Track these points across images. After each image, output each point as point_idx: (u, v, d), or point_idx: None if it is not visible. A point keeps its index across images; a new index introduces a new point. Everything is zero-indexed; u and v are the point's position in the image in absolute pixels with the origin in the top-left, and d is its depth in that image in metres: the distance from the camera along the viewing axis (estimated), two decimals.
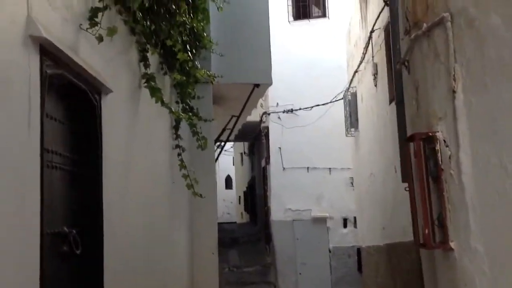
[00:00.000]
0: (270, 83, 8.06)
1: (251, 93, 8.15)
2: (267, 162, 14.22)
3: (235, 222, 21.70)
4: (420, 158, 3.00)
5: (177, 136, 5.44)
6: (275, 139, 13.34)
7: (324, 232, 12.89)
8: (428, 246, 2.97)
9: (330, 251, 12.81)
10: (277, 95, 13.27)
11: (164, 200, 5.22)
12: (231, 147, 23.44)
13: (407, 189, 3.52)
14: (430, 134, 2.96)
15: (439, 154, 2.94)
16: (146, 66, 4.31)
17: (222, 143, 11.22)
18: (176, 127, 5.54)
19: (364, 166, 10.44)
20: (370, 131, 9.56)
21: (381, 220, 8.98)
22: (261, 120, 13.86)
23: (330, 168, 13.07)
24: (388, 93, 7.82)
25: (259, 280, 13.65)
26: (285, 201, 13.08)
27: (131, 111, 4.07)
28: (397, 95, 6.81)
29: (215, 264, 7.45)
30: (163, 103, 4.39)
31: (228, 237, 16.66)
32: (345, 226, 12.88)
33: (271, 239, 13.56)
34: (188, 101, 5.78)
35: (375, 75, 8.62)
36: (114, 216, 3.20)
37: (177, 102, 5.70)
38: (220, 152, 14.36)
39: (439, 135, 2.95)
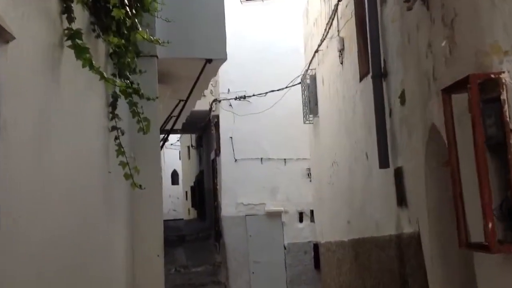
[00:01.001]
0: (225, 58, 6.90)
1: (202, 70, 6.96)
2: (217, 153, 13.05)
3: (182, 219, 20.40)
4: (477, 113, 1.95)
5: (114, 116, 4.25)
6: (226, 128, 12.19)
7: (278, 228, 11.87)
8: (491, 247, 1.90)
9: (285, 248, 11.82)
10: (228, 81, 12.13)
11: (98, 193, 4.01)
12: (178, 140, 22.13)
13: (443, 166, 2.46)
14: (493, 76, 1.91)
15: (505, 107, 1.89)
16: (70, 20, 3.08)
17: (167, 134, 9.96)
18: (113, 105, 4.34)
19: (324, 155, 9.46)
20: (333, 115, 8.58)
21: (346, 213, 8.02)
22: (210, 109, 12.68)
23: (285, 159, 12.06)
24: (358, 69, 6.84)
25: (208, 281, 12.48)
26: (236, 195, 11.97)
27: (49, 76, 2.85)
28: (374, 68, 5.82)
29: (160, 268, 6.22)
30: (92, 66, 3.18)
31: (174, 235, 15.40)
32: (301, 220, 11.91)
33: (222, 236, 12.42)
34: (127, 74, 4.56)
35: (341, 51, 7.63)
36: (20, 214, 2.09)
37: (114, 76, 4.47)
38: (164, 142, 13.11)
39: (505, 77, 1.90)
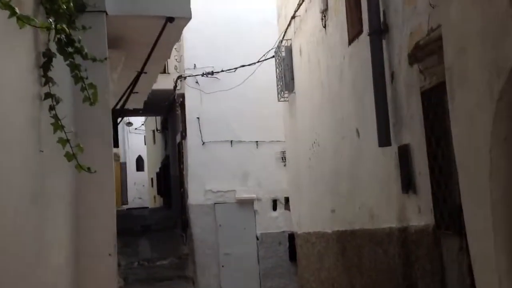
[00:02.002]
0: (189, 17, 5.58)
1: (161, 30, 5.63)
2: (183, 136, 11.74)
3: (147, 207, 19.02)
4: None
5: (48, 80, 3.11)
6: (192, 108, 10.87)
7: (250, 217, 10.68)
8: None
9: (257, 239, 10.64)
10: (194, 56, 10.80)
11: (21, 180, 2.74)
12: (142, 124, 20.65)
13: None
14: None
15: None
16: None
17: (122, 113, 8.61)
18: (45, 67, 3.12)
19: (302, 136, 8.28)
20: (313, 90, 7.37)
21: (330, 201, 6.86)
22: (175, 87, 11.32)
23: (257, 142, 10.83)
24: (347, 30, 5.63)
25: (174, 275, 11.22)
26: (204, 181, 10.70)
27: None
28: (371, 23, 4.61)
29: (112, 269, 4.97)
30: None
31: (139, 225, 14.07)
32: (274, 208, 10.74)
33: (189, 226, 11.16)
34: (65, 28, 3.28)
35: (324, 12, 6.41)
36: None
37: (47, 29, 3.17)
38: (120, 120, 11.78)
39: None
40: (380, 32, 4.52)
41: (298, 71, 8.33)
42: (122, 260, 11.81)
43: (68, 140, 3.01)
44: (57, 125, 3.00)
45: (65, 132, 3.01)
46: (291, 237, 10.08)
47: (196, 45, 10.69)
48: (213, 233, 10.59)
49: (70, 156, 3.06)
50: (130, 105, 9.94)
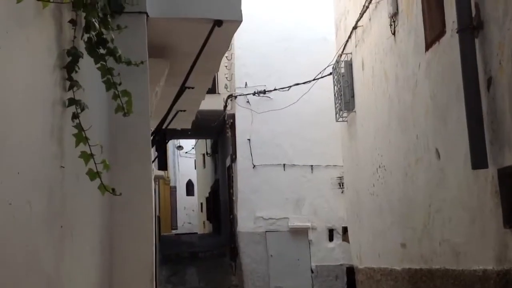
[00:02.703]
0: (239, 20, 4.87)
1: (209, 35, 4.95)
2: (233, 159, 11.03)
3: (196, 233, 18.37)
4: None
5: (73, 84, 2.53)
6: (243, 129, 10.17)
7: (304, 247, 9.76)
8: None
9: (312, 271, 9.68)
10: (245, 74, 10.16)
11: (37, 202, 2.05)
12: (193, 148, 20.18)
13: None
14: None
15: None
16: None
17: (163, 134, 8.03)
18: (70, 67, 2.45)
19: (363, 159, 7.37)
20: (378, 107, 6.50)
21: (399, 233, 5.90)
22: (225, 106, 10.68)
23: (312, 166, 9.97)
24: (424, 33, 4.77)
25: None
26: (255, 208, 9.91)
27: None
28: (461, 18, 3.75)
29: None
30: None
31: (187, 252, 13.39)
32: (331, 239, 9.78)
33: (238, 255, 10.35)
34: (95, 24, 2.68)
35: (394, 17, 5.57)
36: None
37: (73, 24, 2.58)
38: (167, 142, 11.21)
39: None
40: (472, 28, 3.64)
41: (359, 87, 7.47)
42: None
43: (92, 155, 2.43)
44: (80, 137, 2.42)
45: (89, 145, 2.44)
46: (350, 271, 9.07)
47: (248, 62, 10.05)
48: (264, 264, 9.73)
49: (93, 174, 2.47)
50: (178, 125, 9.34)
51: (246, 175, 10.07)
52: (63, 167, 2.46)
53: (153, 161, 9.16)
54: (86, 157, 2.40)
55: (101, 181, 2.48)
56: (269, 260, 9.73)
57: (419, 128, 5.15)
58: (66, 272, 2.52)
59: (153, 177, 9.20)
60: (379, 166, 6.57)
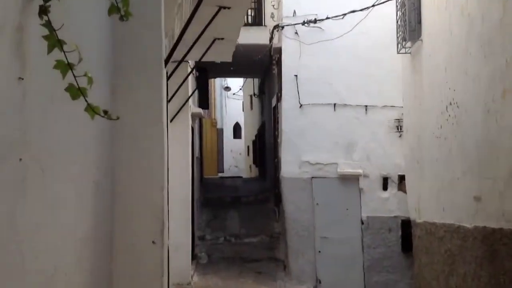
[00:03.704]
0: None
1: None
2: (279, 98, 9.99)
3: (241, 177, 17.68)
4: None
5: None
6: (289, 64, 9.06)
7: (355, 196, 8.76)
8: None
9: (362, 222, 8.72)
10: (294, 1, 8.93)
11: None
12: (240, 89, 19.20)
13: None
14: None
15: None
16: None
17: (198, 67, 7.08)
18: None
19: (430, 96, 6.18)
20: (453, 30, 5.25)
21: (473, 184, 4.80)
22: (271, 38, 9.54)
23: (366, 106, 8.80)
24: None
25: (263, 256, 9.68)
26: (301, 152, 8.92)
27: None
28: None
29: (158, 262, 3.43)
30: None
31: (230, 196, 12.66)
32: (385, 188, 8.70)
33: (281, 202, 9.51)
34: None
35: None
36: None
37: None
38: (204, 78, 10.28)
39: None
40: None
41: (428, 10, 6.18)
42: (208, 234, 10.49)
43: (69, 65, 1.71)
44: (52, 39, 1.67)
45: (64, 53, 1.71)
46: (406, 224, 8.05)
47: None
48: (309, 212, 8.83)
49: (74, 92, 1.75)
50: (217, 57, 8.37)
51: (292, 116, 9.04)
52: (22, 79, 1.60)
53: (190, 96, 8.28)
54: (63, 67, 1.68)
55: (85, 99, 1.78)
56: (315, 209, 8.82)
57: (510, 50, 3.93)
58: (29, 224, 1.70)
59: (190, 113, 8.25)
60: (450, 103, 5.38)
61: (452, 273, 5.50)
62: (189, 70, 8.75)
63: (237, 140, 21.33)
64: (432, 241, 6.18)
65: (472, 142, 4.76)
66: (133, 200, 3.25)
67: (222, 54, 8.08)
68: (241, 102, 20.36)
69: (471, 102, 4.79)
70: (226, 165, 20.99)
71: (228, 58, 8.05)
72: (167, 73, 7.34)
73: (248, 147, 19.07)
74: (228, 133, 21.37)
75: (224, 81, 20.78)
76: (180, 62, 5.94)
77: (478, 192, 4.67)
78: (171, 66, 7.88)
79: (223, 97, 20.85)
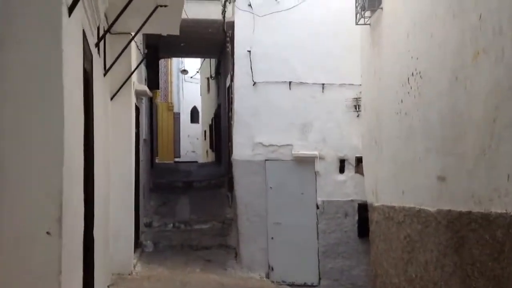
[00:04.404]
0: None
1: None
2: (232, 77, 9.25)
3: (196, 162, 16.90)
4: None
5: None
6: (242, 38, 8.32)
7: (310, 179, 8.13)
8: None
9: (318, 207, 8.11)
10: None
11: None
12: (197, 72, 18.34)
13: None
14: None
15: None
16: None
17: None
18: None
19: (390, 68, 5.57)
20: None
21: (437, 162, 4.21)
22: (224, 10, 8.76)
23: (323, 84, 8.16)
24: None
25: (214, 243, 8.99)
26: (254, 133, 8.23)
27: None
28: None
29: (54, 254, 2.50)
30: None
31: (181, 181, 11.89)
32: (341, 170, 8.12)
33: (233, 186, 8.81)
34: None
35: None
36: None
37: None
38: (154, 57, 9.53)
39: None
40: None
41: None
42: (156, 221, 9.69)
43: None
44: None
45: None
46: (363, 208, 7.50)
47: None
48: (262, 197, 8.17)
49: None
50: (162, 30, 7.54)
51: (245, 95, 8.32)
52: None
53: (132, 72, 7.41)
54: None
55: None
56: (268, 193, 8.16)
57: (484, 5, 3.32)
58: None
59: (133, 91, 7.36)
60: (412, 74, 4.77)
61: (411, 261, 4.93)
62: (134, 44, 7.90)
63: (194, 125, 20.48)
64: (390, 226, 5.61)
65: (436, 116, 4.16)
66: (20, 179, 2.48)
67: (167, 25, 7.25)
68: (199, 85, 19.51)
69: (436, 70, 4.18)
70: (183, 150, 20.14)
71: (175, 31, 7.22)
72: (104, 44, 6.50)
73: (205, 131, 18.28)
74: (185, 117, 20.49)
75: (181, 64, 19.86)
76: (108, 30, 5.10)
77: (442, 172, 4.09)
78: (112, 38, 7.03)
79: (180, 81, 19.95)
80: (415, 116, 4.74)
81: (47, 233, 2.50)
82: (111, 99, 7.08)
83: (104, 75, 6.32)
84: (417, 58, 4.65)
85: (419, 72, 4.59)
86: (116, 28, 7.10)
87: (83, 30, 3.38)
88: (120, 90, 7.09)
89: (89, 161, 4.21)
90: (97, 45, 5.13)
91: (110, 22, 6.93)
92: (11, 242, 2.44)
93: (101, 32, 5.90)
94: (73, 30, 2.90)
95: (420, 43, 4.59)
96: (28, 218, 2.42)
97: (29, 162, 2.44)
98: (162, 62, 19.11)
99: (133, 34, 7.63)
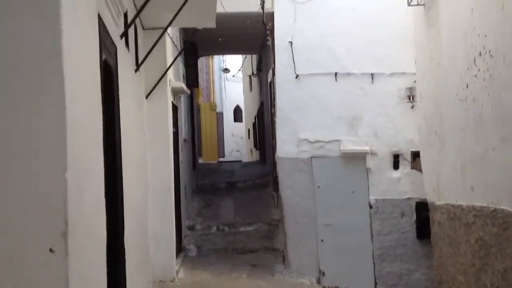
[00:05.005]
0: None
1: None
2: (274, 71, 8.73)
3: (240, 161, 16.48)
4: None
5: None
6: (283, 29, 7.79)
7: (361, 177, 7.52)
8: None
9: (371, 206, 7.49)
10: None
11: None
12: (239, 70, 17.91)
13: None
14: None
15: None
16: None
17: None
18: None
19: (451, 51, 4.91)
20: None
21: None
22: (262, 1, 8.24)
23: (372, 74, 7.52)
24: None
25: (260, 246, 8.47)
26: (299, 129, 7.69)
27: None
28: None
29: (62, 280, 1.97)
30: None
31: (225, 181, 11.44)
32: (396, 166, 7.45)
33: (279, 185, 8.29)
34: None
35: None
36: None
37: None
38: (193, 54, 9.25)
39: None
40: None
41: None
42: (199, 224, 9.29)
43: None
44: None
45: None
46: (421, 207, 6.83)
47: None
48: (310, 197, 7.61)
49: None
50: (197, 23, 7.13)
51: (287, 89, 7.79)
52: None
53: (168, 68, 7.02)
54: None
55: None
56: (316, 192, 7.60)
57: None
58: None
59: (169, 89, 6.96)
60: (480, 54, 4.12)
61: (485, 268, 4.28)
62: (169, 40, 7.52)
63: (238, 124, 20.08)
64: (457, 227, 4.96)
65: (510, 102, 3.52)
66: (15, 189, 2.05)
67: (202, 18, 6.83)
68: (241, 84, 19.10)
69: (510, 47, 3.53)
70: (227, 150, 19.79)
71: (211, 24, 6.78)
72: (136, 38, 6.12)
73: (248, 130, 17.84)
74: (228, 116, 20.13)
75: (223, 63, 19.51)
76: (134, 20, 4.69)
77: None
78: (145, 34, 6.65)
79: (223, 80, 19.60)
80: (485, 102, 4.08)
81: (50, 250, 2.07)
82: (146, 97, 6.73)
83: (136, 71, 5.95)
84: (485, 36, 4.00)
85: (489, 51, 3.93)
86: (149, 22, 6.73)
87: (99, 15, 2.95)
88: (156, 88, 6.74)
89: (114, 164, 3.82)
90: (122, 36, 4.73)
91: (141, 15, 6.54)
92: (9, 262, 2.02)
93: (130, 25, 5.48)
94: (82, 12, 2.46)
95: (488, 18, 3.94)
96: (28, 233, 1.99)
97: (24, 167, 2.01)
98: (203, 61, 18.85)
99: (170, 31, 7.25)
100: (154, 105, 6.65)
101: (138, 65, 5.93)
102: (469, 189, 4.60)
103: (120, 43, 4.57)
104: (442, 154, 5.37)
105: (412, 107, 7.17)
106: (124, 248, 4.07)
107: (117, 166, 3.96)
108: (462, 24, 4.54)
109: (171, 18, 5.70)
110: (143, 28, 6.53)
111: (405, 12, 6.59)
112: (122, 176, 4.12)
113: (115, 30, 4.15)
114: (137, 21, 6.18)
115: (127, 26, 4.89)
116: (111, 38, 3.80)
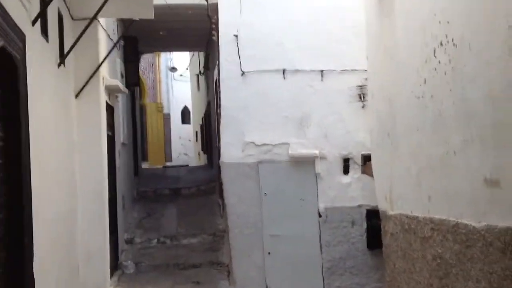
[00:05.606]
0: None
1: None
2: (219, 68, 8.09)
3: (187, 166, 15.75)
4: None
5: None
6: (228, 21, 7.17)
7: (310, 183, 6.96)
8: None
9: (320, 215, 6.94)
10: None
11: None
12: (186, 68, 17.19)
13: None
14: None
15: None
16: None
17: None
18: None
19: (407, 42, 4.42)
20: None
21: (485, 158, 3.05)
22: None
23: (322, 71, 7.00)
24: None
25: (204, 261, 7.83)
26: (244, 130, 7.07)
27: None
28: None
29: None
30: None
31: (168, 188, 10.73)
32: (346, 171, 6.94)
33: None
34: None
35: None
36: None
37: None
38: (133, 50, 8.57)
39: None
40: None
41: None
42: (138, 237, 8.53)
43: None
44: None
45: None
46: (372, 214, 6.36)
47: None
48: (256, 205, 7.01)
49: None
50: (133, 14, 6.50)
51: (232, 86, 7.17)
52: None
53: (100, 64, 6.27)
54: None
55: None
56: (263, 200, 6.99)
57: None
58: None
59: (102, 87, 6.21)
60: (441, 44, 3.61)
61: (443, 284, 3.78)
62: (103, 32, 6.80)
63: (186, 126, 19.32)
64: (412, 241, 4.46)
65: (482, 94, 3.01)
66: None
67: (139, 8, 6.21)
68: (189, 84, 18.36)
69: (481, 34, 3.03)
70: (174, 154, 18.99)
71: (149, 15, 6.15)
72: (61, 29, 5.37)
73: (196, 132, 17.13)
74: (176, 118, 19.33)
75: (170, 61, 18.73)
76: (47, 4, 3.97)
77: (492, 173, 2.93)
78: (74, 25, 5.92)
79: (170, 79, 18.81)
80: (446, 98, 3.58)
81: None
82: (76, 96, 6.01)
83: (59, 65, 5.24)
84: (447, 22, 3.50)
85: (452, 40, 3.43)
86: (79, 12, 6.00)
87: None
88: (87, 86, 6.05)
89: (18, 173, 3.24)
90: (34, 23, 4.01)
91: (69, 3, 5.78)
92: None
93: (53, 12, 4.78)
94: None
95: (453, 2, 3.44)
96: None
97: None
98: (149, 59, 17.98)
99: (100, 20, 6.52)
100: (85, 105, 6.03)
101: (62, 59, 5.22)
102: (426, 199, 4.10)
103: (32, 31, 3.94)
104: (396, 158, 4.87)
105: (363, 106, 6.70)
106: (33, 279, 3.42)
107: (22, 175, 3.30)
108: (421, 11, 4.04)
109: (105, 9, 5.06)
110: (72, 19, 5.84)
111: (358, 5, 6.12)
112: (30, 187, 3.46)
113: (23, 14, 3.55)
114: (63, 9, 5.46)
115: (41, 11, 4.20)
116: (14, 22, 3.21)
